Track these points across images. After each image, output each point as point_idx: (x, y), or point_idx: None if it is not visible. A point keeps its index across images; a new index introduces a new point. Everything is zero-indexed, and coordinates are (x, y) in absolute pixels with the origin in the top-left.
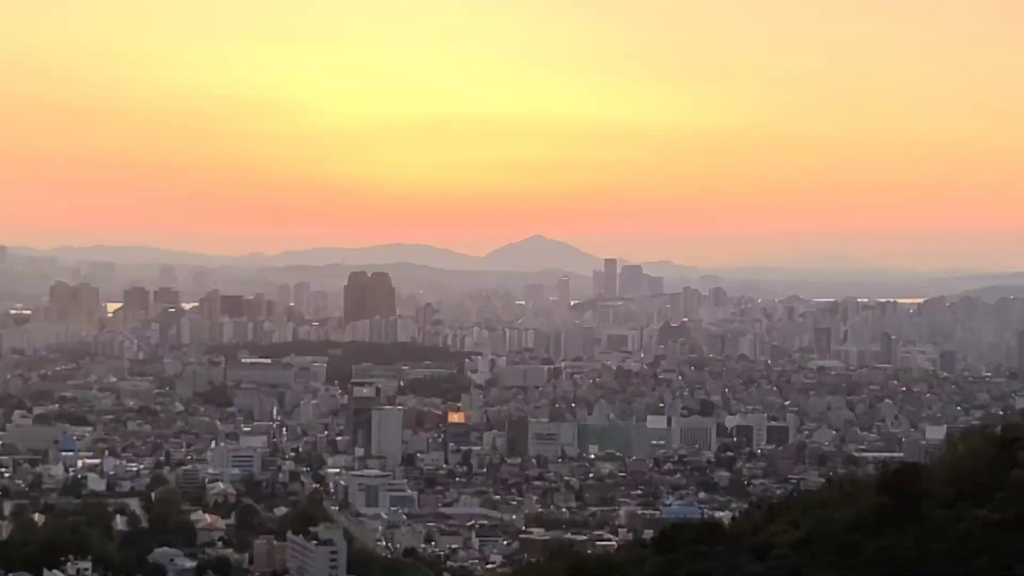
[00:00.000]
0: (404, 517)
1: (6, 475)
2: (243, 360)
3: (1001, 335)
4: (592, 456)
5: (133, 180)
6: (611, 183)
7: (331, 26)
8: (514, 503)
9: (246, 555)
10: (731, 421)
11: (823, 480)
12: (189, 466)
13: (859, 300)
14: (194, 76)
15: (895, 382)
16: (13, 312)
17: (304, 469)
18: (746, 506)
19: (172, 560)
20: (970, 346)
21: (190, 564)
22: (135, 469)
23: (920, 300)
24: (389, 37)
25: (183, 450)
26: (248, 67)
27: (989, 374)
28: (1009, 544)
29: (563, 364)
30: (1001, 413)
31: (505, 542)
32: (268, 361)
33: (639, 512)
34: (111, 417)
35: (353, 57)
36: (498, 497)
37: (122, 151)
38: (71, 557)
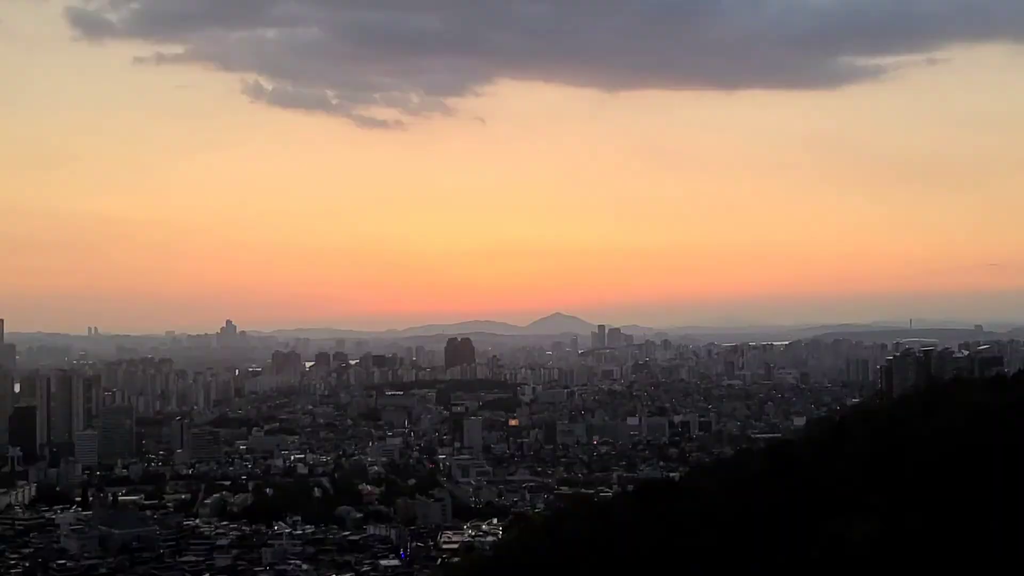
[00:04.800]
0: (484, 482)
1: (249, 466)
2: (387, 393)
3: (835, 362)
4: (595, 442)
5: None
6: (600, 278)
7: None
8: (550, 472)
9: (391, 508)
10: (677, 419)
11: (733, 452)
12: (356, 457)
13: (750, 344)
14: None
15: (774, 392)
16: (251, 369)
17: (424, 456)
18: (688, 469)
19: (348, 513)
20: (817, 369)
21: (358, 515)
22: (325, 460)
23: (787, 342)
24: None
25: (353, 448)
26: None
27: (829, 384)
28: (845, 486)
29: (575, 388)
30: (837, 408)
31: (545, 496)
32: (401, 393)
33: (624, 475)
34: (309, 430)
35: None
36: (540, 469)
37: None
38: (288, 513)
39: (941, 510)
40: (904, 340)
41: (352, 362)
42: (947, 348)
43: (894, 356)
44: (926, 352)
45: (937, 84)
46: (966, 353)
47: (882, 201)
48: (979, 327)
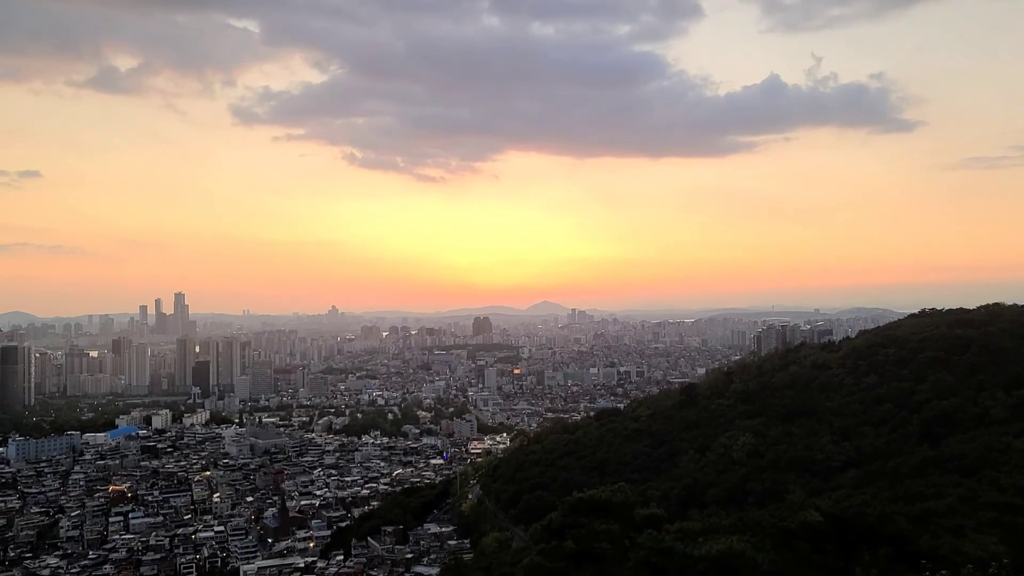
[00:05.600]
0: (498, 410)
1: (347, 399)
2: (435, 352)
3: (724, 333)
4: (569, 384)
5: (397, 279)
6: (573, 278)
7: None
8: (540, 404)
9: (438, 426)
10: (622, 369)
11: (658, 391)
12: (415, 394)
13: (669, 320)
14: (414, 245)
15: (684, 352)
16: (348, 337)
17: (459, 393)
18: (629, 401)
19: (412, 430)
20: (713, 337)
21: (416, 431)
22: (395, 395)
23: (693, 320)
24: (489, 224)
25: (413, 388)
26: (433, 242)
27: (720, 348)
28: (730, 413)
29: (556, 350)
30: (726, 363)
31: (538, 418)
32: (444, 352)
33: (588, 405)
34: (385, 376)
35: (472, 233)
36: (534, 401)
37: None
38: (371, 430)
39: (791, 429)
40: (768, 319)
41: (412, 332)
42: (796, 324)
43: (762, 330)
44: (783, 327)
45: (789, 154)
46: (808, 327)
47: (754, 231)
48: (817, 310)
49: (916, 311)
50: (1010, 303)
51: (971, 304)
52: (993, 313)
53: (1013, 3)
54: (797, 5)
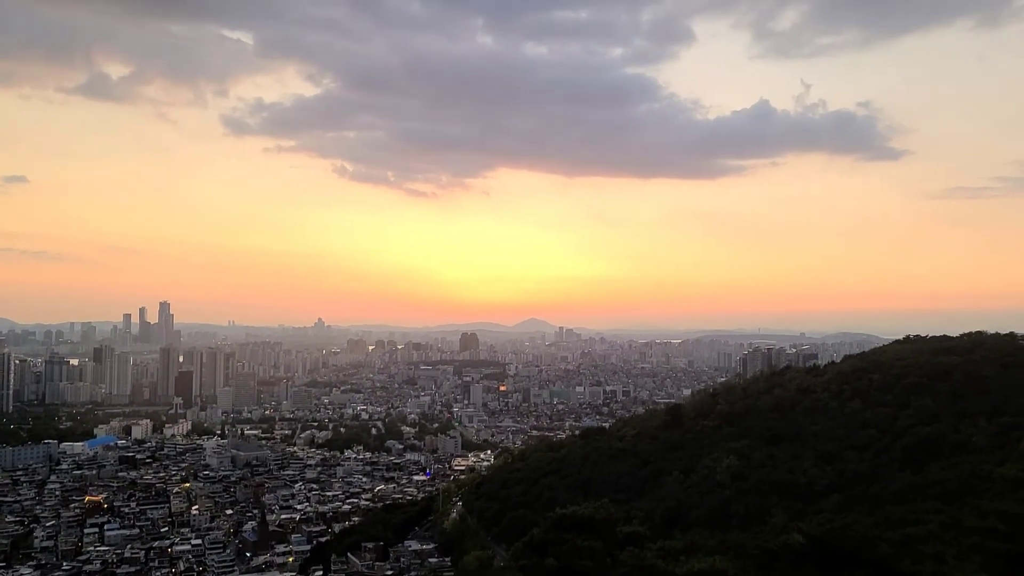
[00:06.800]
0: (483, 426)
1: (330, 413)
2: (421, 367)
3: (710, 355)
4: (555, 402)
5: (385, 293)
6: (562, 296)
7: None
8: (526, 421)
9: (422, 442)
10: (608, 388)
11: (644, 411)
12: (400, 409)
13: (656, 341)
14: (403, 259)
15: (671, 372)
16: (333, 350)
17: (444, 409)
18: (614, 420)
19: (395, 445)
20: (699, 359)
21: (400, 446)
22: (379, 410)
23: (680, 340)
24: (479, 240)
25: (398, 403)
26: (423, 256)
27: (706, 369)
28: (715, 435)
29: (543, 367)
30: (711, 384)
31: (523, 435)
32: (430, 367)
33: (573, 424)
34: (370, 390)
35: (462, 248)
36: (519, 419)
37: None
38: (354, 444)
39: (775, 452)
40: (754, 341)
41: (399, 347)
42: (782, 347)
43: (748, 352)
44: (769, 350)
45: (778, 178)
46: (794, 351)
47: (742, 254)
48: (803, 334)
49: (900, 337)
50: (992, 331)
51: (954, 332)
52: (976, 341)
53: (996, 37)
54: (787, 33)
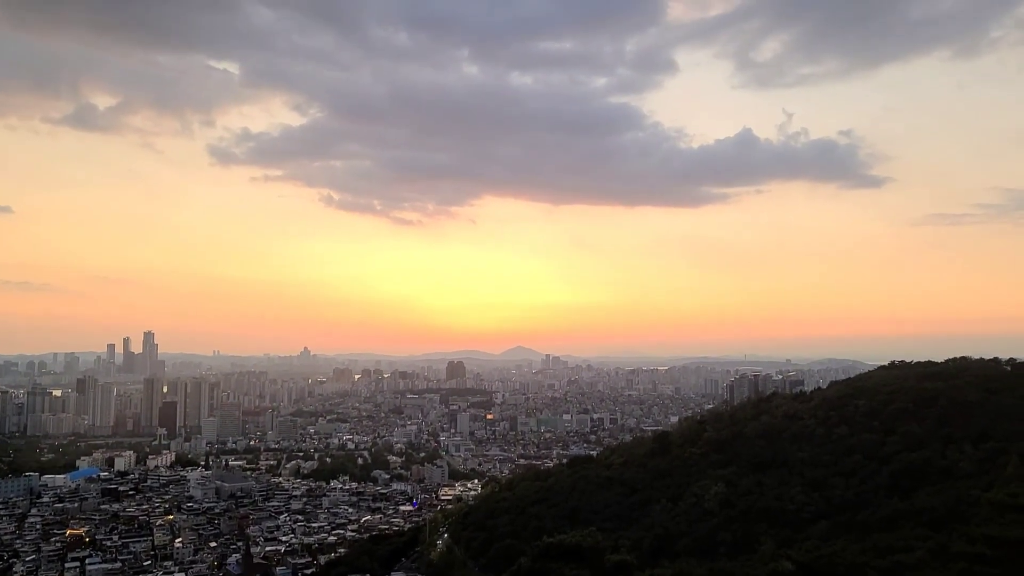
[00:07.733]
0: (470, 455)
1: (316, 443)
2: (407, 395)
3: (697, 381)
4: (542, 430)
5: (370, 321)
6: (548, 324)
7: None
8: (513, 450)
9: (409, 472)
10: (595, 416)
11: (631, 438)
12: (386, 438)
13: (643, 368)
14: (389, 287)
15: (658, 399)
16: (319, 379)
17: (431, 438)
18: (602, 448)
19: (381, 475)
20: (686, 385)
21: (386, 476)
22: (365, 439)
23: (666, 367)
24: (465, 268)
25: (384, 432)
26: (409, 284)
27: (693, 396)
28: (703, 462)
29: (530, 395)
30: (699, 411)
31: (510, 464)
32: (417, 396)
33: (561, 452)
34: (356, 419)
35: (448, 276)
36: (506, 447)
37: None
38: (340, 474)
39: (762, 479)
40: (741, 368)
41: (385, 376)
42: (768, 374)
43: (735, 378)
44: (755, 376)
45: (761, 206)
46: (780, 377)
47: (727, 281)
48: (789, 360)
49: (886, 363)
50: (976, 356)
51: (938, 357)
52: (960, 366)
53: (975, 66)
54: (769, 63)
